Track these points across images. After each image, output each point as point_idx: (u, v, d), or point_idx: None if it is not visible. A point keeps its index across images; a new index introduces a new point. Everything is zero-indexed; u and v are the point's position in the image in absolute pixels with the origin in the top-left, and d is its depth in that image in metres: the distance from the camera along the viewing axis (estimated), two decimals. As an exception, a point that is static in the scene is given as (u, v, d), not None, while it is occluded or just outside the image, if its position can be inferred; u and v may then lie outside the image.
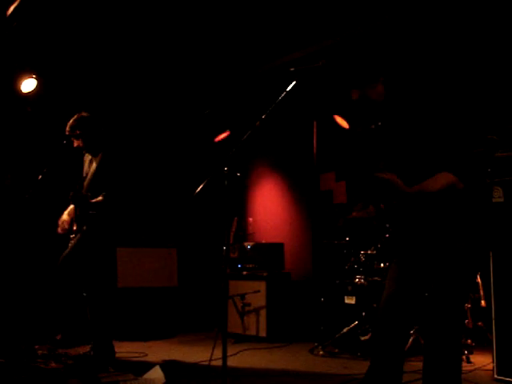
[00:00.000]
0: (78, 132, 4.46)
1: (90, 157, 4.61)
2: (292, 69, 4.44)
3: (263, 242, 6.44)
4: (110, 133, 4.73)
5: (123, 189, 4.49)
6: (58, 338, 4.78)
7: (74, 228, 4.49)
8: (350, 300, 5.15)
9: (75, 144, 4.53)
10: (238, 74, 7.15)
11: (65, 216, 4.56)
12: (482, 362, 4.45)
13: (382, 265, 5.23)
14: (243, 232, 6.90)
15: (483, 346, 4.75)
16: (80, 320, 4.87)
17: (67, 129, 4.50)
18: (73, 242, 4.46)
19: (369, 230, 5.45)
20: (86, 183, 4.51)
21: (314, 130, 5.34)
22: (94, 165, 4.51)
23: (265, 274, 5.89)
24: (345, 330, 4.99)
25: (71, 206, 4.61)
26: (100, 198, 4.33)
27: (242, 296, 5.88)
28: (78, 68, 6.17)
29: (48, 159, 4.67)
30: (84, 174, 4.60)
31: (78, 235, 4.44)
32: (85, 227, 4.42)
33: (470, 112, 2.66)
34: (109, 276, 4.46)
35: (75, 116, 4.53)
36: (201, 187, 3.59)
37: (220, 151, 6.40)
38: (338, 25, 5.91)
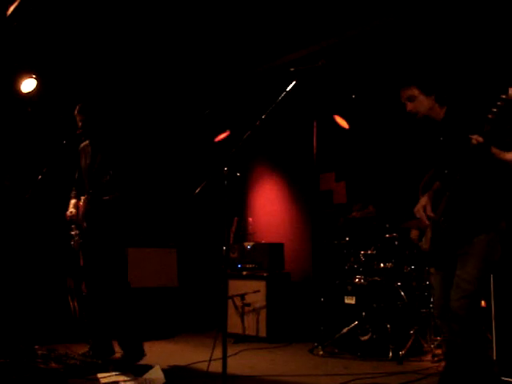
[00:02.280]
0: (81, 116, 4.46)
1: (88, 150, 4.58)
2: (292, 69, 4.44)
3: (263, 242, 6.44)
4: (113, 130, 4.72)
5: (129, 187, 4.48)
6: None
7: (84, 225, 4.48)
8: (350, 300, 5.15)
9: (79, 125, 4.50)
10: (238, 73, 7.15)
11: (71, 209, 4.56)
12: (482, 362, 4.44)
13: (381, 265, 5.24)
14: (243, 232, 6.89)
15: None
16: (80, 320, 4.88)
17: (75, 112, 4.51)
18: (78, 242, 4.45)
19: (369, 230, 5.45)
20: (89, 176, 4.48)
21: (314, 129, 5.34)
22: (99, 159, 4.45)
23: (265, 274, 5.89)
24: (345, 330, 4.99)
25: (73, 201, 4.61)
26: (113, 195, 4.29)
27: (242, 296, 5.87)
28: (77, 68, 6.17)
29: (48, 159, 4.66)
30: (83, 167, 4.56)
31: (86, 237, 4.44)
32: (95, 224, 4.41)
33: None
34: (116, 275, 4.43)
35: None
36: (201, 187, 3.60)
37: (220, 151, 6.42)
38: (338, 25, 5.91)
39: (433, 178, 3.24)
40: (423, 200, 3.17)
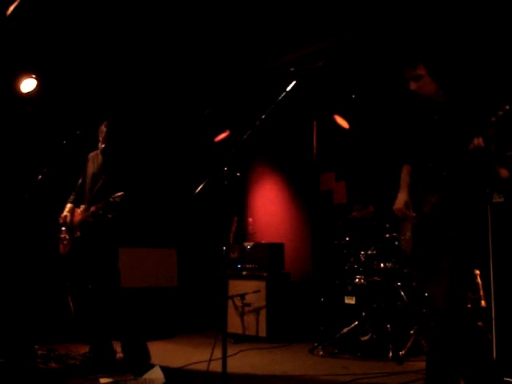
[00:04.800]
0: (109, 133, 4.49)
1: (99, 159, 4.57)
2: (292, 69, 4.44)
3: (263, 242, 6.44)
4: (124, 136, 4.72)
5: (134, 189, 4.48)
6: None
7: (78, 233, 4.47)
8: (350, 300, 5.15)
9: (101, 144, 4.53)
10: (238, 73, 7.15)
11: (66, 212, 4.56)
12: (482, 362, 4.44)
13: (381, 265, 5.24)
14: (243, 232, 6.89)
15: (483, 346, 4.75)
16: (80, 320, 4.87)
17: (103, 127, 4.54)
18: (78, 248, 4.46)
19: (369, 230, 5.45)
20: (99, 183, 4.47)
21: (314, 129, 5.34)
22: (109, 165, 4.47)
23: (265, 274, 5.89)
24: (345, 330, 4.99)
25: (69, 205, 4.60)
26: (119, 194, 4.21)
27: (242, 296, 5.87)
28: (78, 68, 6.16)
29: (48, 159, 4.66)
30: (90, 175, 4.55)
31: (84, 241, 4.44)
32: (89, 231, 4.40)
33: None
34: (113, 276, 4.43)
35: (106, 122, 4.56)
36: (201, 187, 3.60)
37: (220, 151, 6.41)
38: (337, 25, 5.91)
39: (417, 174, 3.09)
40: (402, 197, 3.04)
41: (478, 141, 2.66)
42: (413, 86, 2.96)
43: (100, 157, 4.58)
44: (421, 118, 3.10)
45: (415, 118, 3.14)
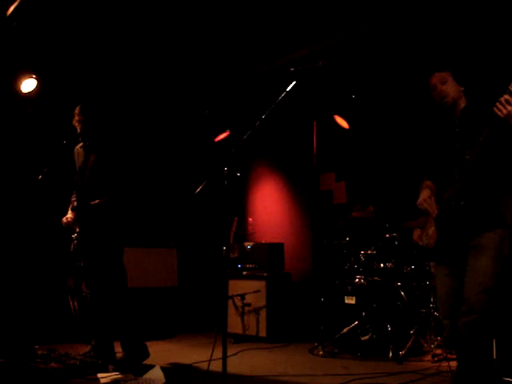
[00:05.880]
0: (81, 117, 4.41)
1: (82, 151, 4.52)
2: (292, 69, 4.44)
3: (263, 241, 6.43)
4: (111, 130, 4.70)
5: (124, 187, 4.47)
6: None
7: (77, 230, 4.48)
8: (350, 300, 5.15)
9: (78, 130, 4.44)
10: (238, 73, 7.15)
11: (69, 213, 4.55)
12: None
13: (381, 265, 5.24)
14: (243, 232, 6.89)
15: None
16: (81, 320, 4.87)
17: (76, 112, 4.45)
18: (77, 244, 4.45)
19: (369, 230, 5.45)
20: (85, 178, 4.44)
21: (314, 130, 5.34)
22: (93, 159, 4.41)
23: (265, 274, 5.89)
24: (345, 330, 4.99)
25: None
26: (101, 200, 4.28)
27: (242, 296, 5.87)
28: (77, 68, 6.16)
29: (48, 159, 4.65)
30: (78, 169, 4.51)
31: (84, 240, 4.43)
32: (88, 229, 4.40)
33: None
34: (117, 276, 4.42)
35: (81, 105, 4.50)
36: (201, 187, 3.60)
37: (220, 151, 6.42)
38: (338, 25, 5.91)
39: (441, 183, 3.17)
40: (424, 192, 3.14)
41: (504, 97, 2.68)
42: (439, 88, 3.09)
43: (82, 149, 4.52)
44: (443, 128, 3.20)
45: (437, 129, 3.25)
